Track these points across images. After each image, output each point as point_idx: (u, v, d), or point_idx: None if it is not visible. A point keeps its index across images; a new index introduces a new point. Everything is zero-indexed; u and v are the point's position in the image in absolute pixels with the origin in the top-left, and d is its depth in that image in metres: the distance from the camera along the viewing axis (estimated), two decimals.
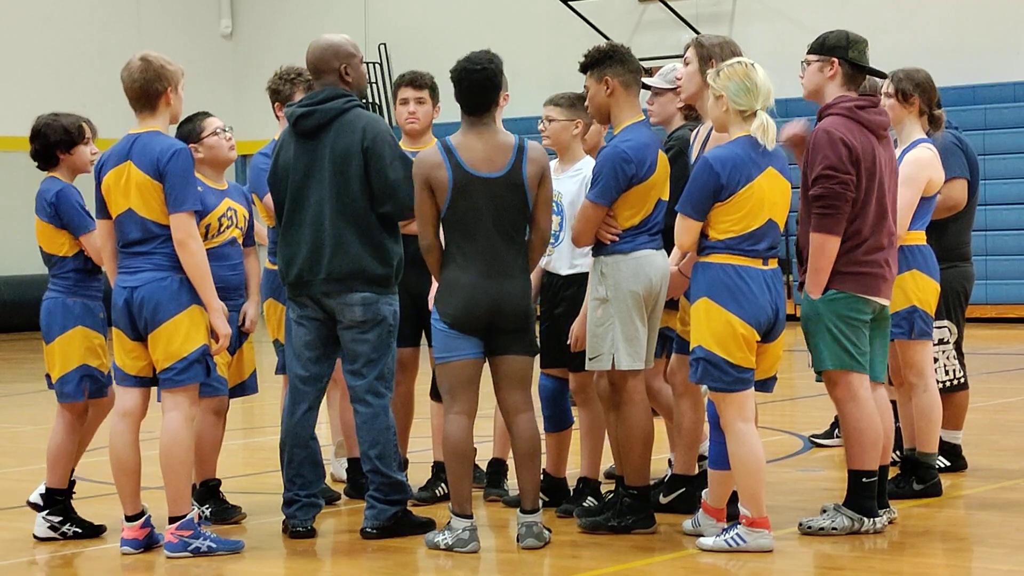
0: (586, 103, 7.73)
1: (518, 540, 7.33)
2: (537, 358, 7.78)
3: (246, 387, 8.35)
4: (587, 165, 8.04)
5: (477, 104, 7.36)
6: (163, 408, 7.39)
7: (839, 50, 7.45)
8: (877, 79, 8.08)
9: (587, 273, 7.73)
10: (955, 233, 9.08)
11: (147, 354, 7.40)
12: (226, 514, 8.18)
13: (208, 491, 8.20)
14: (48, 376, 7.98)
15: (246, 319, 8.28)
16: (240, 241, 8.26)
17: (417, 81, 8.66)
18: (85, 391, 7.86)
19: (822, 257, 7.33)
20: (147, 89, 7.41)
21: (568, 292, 7.94)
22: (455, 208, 7.34)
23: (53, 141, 7.92)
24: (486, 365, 7.45)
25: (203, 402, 7.96)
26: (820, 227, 7.31)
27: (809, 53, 7.52)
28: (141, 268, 7.36)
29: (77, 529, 7.88)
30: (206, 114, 8.35)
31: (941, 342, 9.03)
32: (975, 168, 9.21)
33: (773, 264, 7.25)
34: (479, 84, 7.35)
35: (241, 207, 8.28)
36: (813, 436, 10.43)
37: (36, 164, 8.02)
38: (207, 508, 8.14)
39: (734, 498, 7.25)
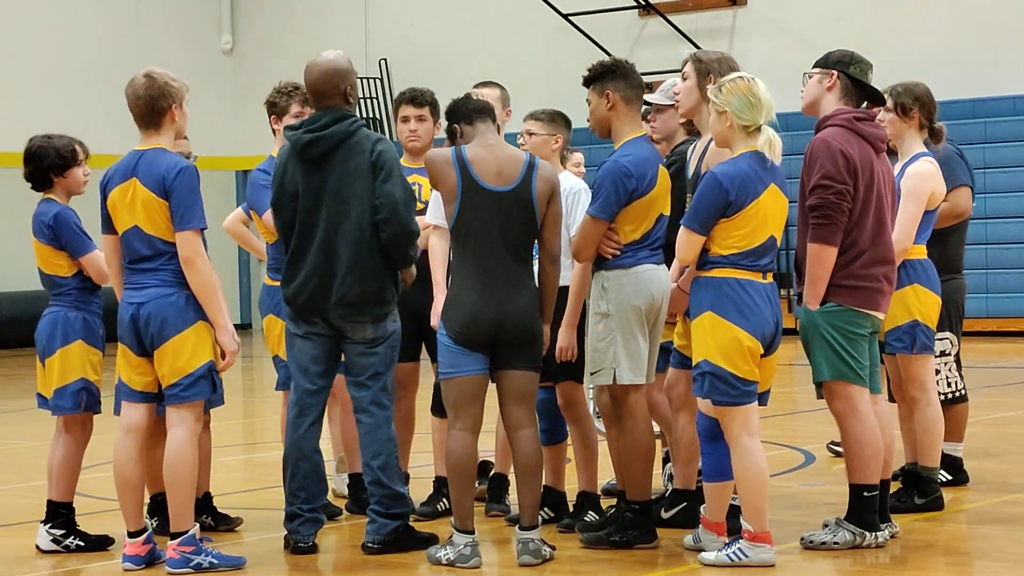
0: (587, 117, 7.75)
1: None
2: None
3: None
4: (566, 180, 8.09)
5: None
6: (168, 424, 7.39)
7: (841, 64, 7.48)
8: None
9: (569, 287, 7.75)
10: (955, 244, 9.12)
11: (153, 370, 7.41)
12: (223, 521, 8.27)
13: (201, 503, 8.26)
14: (39, 395, 7.98)
15: None
16: None
17: (418, 99, 8.68)
18: (81, 404, 7.88)
19: (819, 267, 7.33)
20: (152, 106, 7.41)
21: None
22: (462, 219, 7.35)
23: (46, 165, 7.95)
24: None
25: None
26: (817, 237, 7.32)
27: (813, 67, 7.56)
28: (147, 284, 7.36)
29: (80, 543, 7.89)
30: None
31: (943, 354, 9.04)
32: (973, 180, 9.26)
33: (771, 278, 7.26)
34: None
35: None
36: (831, 444, 10.39)
37: (30, 186, 8.05)
38: (206, 517, 8.20)
39: (735, 512, 7.25)
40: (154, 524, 8.04)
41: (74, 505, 7.98)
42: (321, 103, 7.66)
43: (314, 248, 7.59)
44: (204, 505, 8.33)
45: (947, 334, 9.04)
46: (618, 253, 7.48)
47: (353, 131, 7.59)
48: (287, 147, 7.72)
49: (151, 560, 7.44)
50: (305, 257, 7.61)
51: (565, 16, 24.17)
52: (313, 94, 7.70)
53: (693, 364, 7.25)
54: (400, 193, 7.52)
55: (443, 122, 8.68)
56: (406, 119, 8.70)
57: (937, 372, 8.88)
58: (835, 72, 7.49)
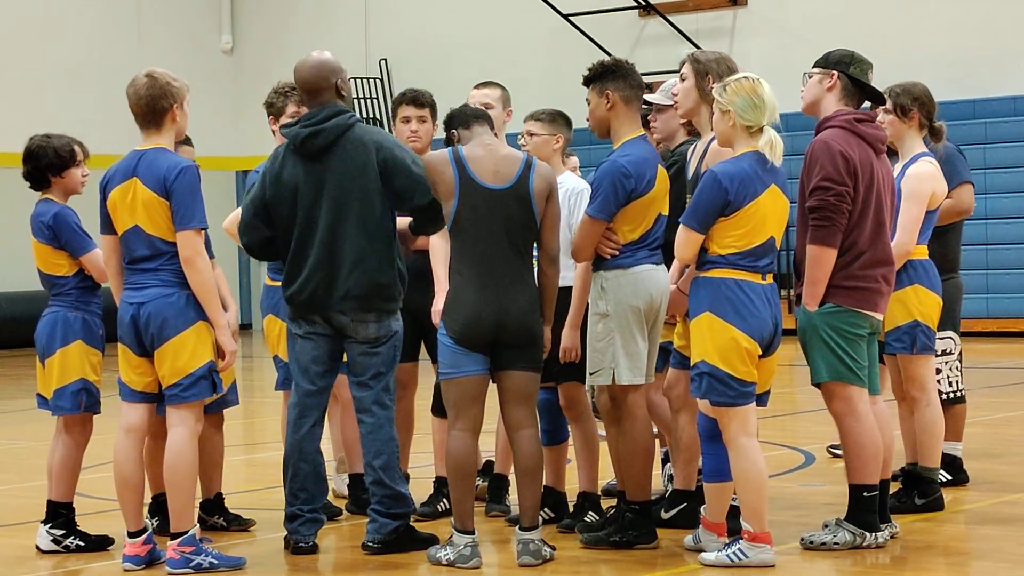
0: (586, 117, 7.76)
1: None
2: None
3: (227, 401, 8.35)
4: (568, 180, 8.11)
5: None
6: (168, 424, 7.40)
7: (841, 64, 7.48)
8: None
9: (572, 287, 7.75)
10: (954, 244, 9.15)
11: (153, 370, 7.41)
12: (236, 522, 8.33)
13: (212, 504, 8.30)
14: (39, 395, 7.98)
15: None
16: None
17: (419, 99, 8.70)
18: (81, 404, 7.88)
19: (818, 269, 7.33)
20: (153, 106, 7.42)
21: (555, 305, 7.90)
22: (460, 217, 7.36)
23: (44, 164, 7.95)
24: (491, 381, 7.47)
25: (212, 418, 8.04)
26: (816, 239, 7.32)
27: (813, 67, 7.56)
28: (147, 284, 7.37)
29: (80, 543, 7.89)
30: (186, 140, 8.38)
31: (945, 353, 9.04)
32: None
33: (770, 279, 7.26)
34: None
35: None
36: (831, 446, 10.40)
37: (29, 185, 8.05)
38: (219, 518, 8.29)
39: (735, 513, 7.25)
40: (155, 524, 8.05)
41: (74, 505, 7.98)
42: (316, 99, 7.65)
43: (316, 244, 7.58)
44: (216, 506, 8.36)
45: (950, 333, 9.06)
46: (616, 253, 7.48)
47: (351, 124, 7.59)
48: (283, 145, 7.72)
49: (151, 560, 7.44)
50: (307, 254, 7.60)
51: (565, 16, 24.17)
52: (306, 91, 7.68)
53: (691, 364, 7.25)
54: (421, 169, 7.52)
55: (441, 127, 8.73)
56: (407, 119, 8.70)
57: (938, 371, 8.90)
58: (835, 72, 7.49)
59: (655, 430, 8.28)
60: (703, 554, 7.23)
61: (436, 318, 7.95)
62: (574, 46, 23.78)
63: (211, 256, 8.27)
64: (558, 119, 8.17)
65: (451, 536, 7.36)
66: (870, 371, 7.52)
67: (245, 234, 7.74)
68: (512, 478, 8.15)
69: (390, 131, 9.31)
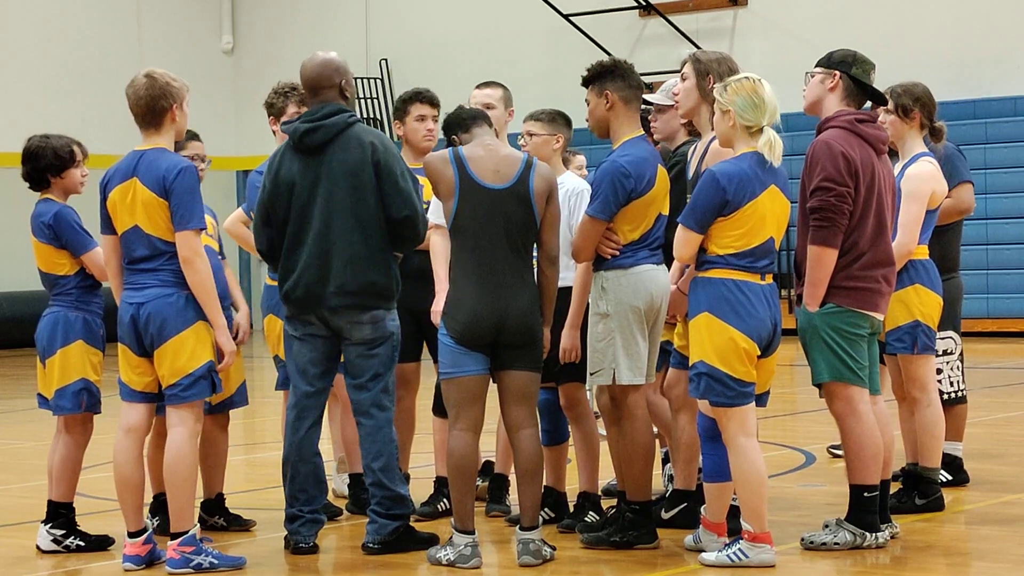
0: (586, 118, 7.76)
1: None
2: None
3: (233, 402, 8.34)
4: (568, 180, 8.12)
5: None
6: (168, 424, 7.41)
7: (843, 65, 7.49)
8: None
9: (572, 287, 7.76)
10: (954, 243, 9.15)
11: (152, 370, 7.41)
12: (236, 522, 8.34)
13: (213, 504, 8.33)
14: (40, 395, 7.98)
15: (239, 331, 8.29)
16: (217, 251, 8.28)
17: (435, 99, 8.78)
18: (82, 404, 7.88)
19: (819, 269, 7.33)
20: (152, 106, 7.42)
21: (555, 305, 7.90)
22: (460, 217, 7.36)
23: (43, 165, 7.95)
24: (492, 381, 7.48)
25: (217, 418, 8.07)
26: (817, 239, 7.32)
27: (815, 67, 7.56)
28: (147, 284, 7.37)
29: (80, 543, 7.89)
30: (194, 135, 8.37)
31: (946, 352, 9.04)
32: None
33: (769, 280, 7.26)
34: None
35: (210, 218, 8.30)
36: (831, 447, 10.41)
37: (28, 185, 8.05)
38: (219, 519, 8.30)
39: (736, 513, 7.25)
40: (155, 524, 8.05)
41: (74, 505, 7.98)
42: (317, 97, 7.66)
43: (310, 240, 7.58)
44: (217, 506, 8.36)
45: (950, 333, 9.06)
46: (617, 253, 7.48)
47: (352, 123, 7.60)
48: (283, 144, 7.74)
49: (151, 560, 7.44)
50: (301, 250, 7.61)
51: (565, 16, 24.18)
52: (309, 88, 7.69)
53: (690, 364, 7.25)
54: (409, 184, 7.55)
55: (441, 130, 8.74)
56: (423, 118, 8.72)
57: (939, 372, 8.90)
58: (837, 72, 7.49)
59: (655, 430, 8.28)
60: (703, 554, 7.23)
61: (436, 318, 7.95)
62: (574, 46, 23.78)
63: (222, 256, 8.29)
64: (558, 119, 8.17)
65: (451, 536, 7.36)
66: (871, 371, 7.53)
67: (257, 240, 7.79)
68: (512, 478, 8.15)
69: (390, 132, 9.32)
